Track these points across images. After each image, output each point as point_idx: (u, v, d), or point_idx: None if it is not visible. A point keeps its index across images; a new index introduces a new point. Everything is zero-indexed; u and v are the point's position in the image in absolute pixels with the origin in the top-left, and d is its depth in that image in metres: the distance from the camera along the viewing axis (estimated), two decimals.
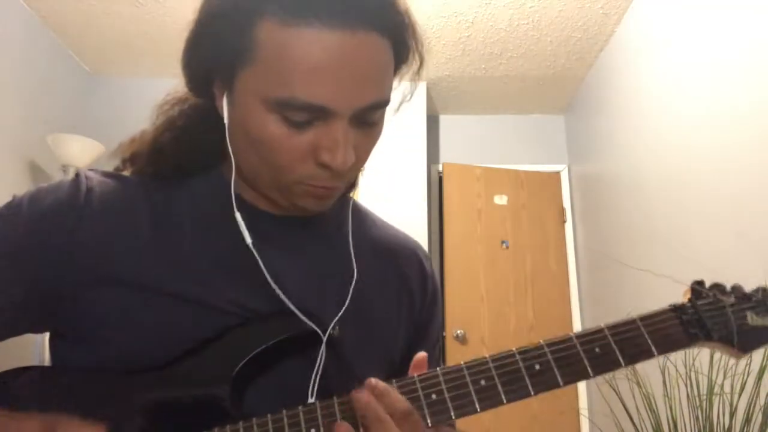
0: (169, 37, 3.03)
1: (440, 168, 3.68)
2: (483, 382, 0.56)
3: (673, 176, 2.31)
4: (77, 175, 0.65)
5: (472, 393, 0.55)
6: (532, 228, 3.57)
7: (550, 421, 3.16)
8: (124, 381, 0.59)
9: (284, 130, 0.56)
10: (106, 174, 0.67)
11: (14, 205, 0.62)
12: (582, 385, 3.30)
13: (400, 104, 0.64)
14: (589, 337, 0.58)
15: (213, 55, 0.58)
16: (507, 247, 3.51)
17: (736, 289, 0.61)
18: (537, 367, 0.56)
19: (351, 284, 0.68)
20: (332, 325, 0.63)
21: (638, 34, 2.70)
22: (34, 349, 2.43)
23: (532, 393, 0.55)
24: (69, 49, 3.20)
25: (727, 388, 1.46)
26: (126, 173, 0.69)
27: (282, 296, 0.61)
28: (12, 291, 0.60)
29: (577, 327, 3.39)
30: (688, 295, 0.61)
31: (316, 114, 0.56)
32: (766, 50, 1.74)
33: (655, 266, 2.40)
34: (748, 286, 0.64)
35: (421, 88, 3.32)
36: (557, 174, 3.75)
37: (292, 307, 0.61)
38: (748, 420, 1.43)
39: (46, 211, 0.61)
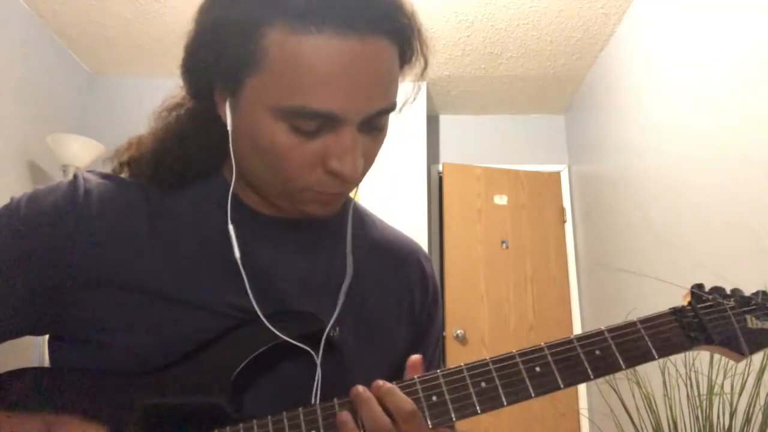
0: (170, 37, 3.03)
1: (440, 168, 3.68)
2: (483, 384, 0.56)
3: (673, 176, 2.31)
4: (75, 176, 0.65)
5: (473, 395, 0.55)
6: (532, 228, 3.57)
7: (550, 420, 3.16)
8: (122, 383, 0.59)
9: (292, 139, 0.56)
10: (104, 175, 0.67)
11: (12, 207, 0.62)
12: (582, 385, 3.30)
13: (403, 105, 0.64)
14: (589, 340, 0.58)
15: (217, 62, 0.57)
16: (507, 247, 3.51)
17: (736, 293, 0.62)
18: (537, 369, 0.56)
19: (347, 285, 0.68)
20: (329, 326, 0.63)
21: (638, 34, 2.70)
22: (34, 350, 2.43)
23: (533, 395, 0.56)
24: (69, 49, 3.20)
25: (727, 388, 1.46)
26: (124, 175, 0.69)
27: (260, 314, 0.61)
28: (10, 293, 0.60)
29: (577, 327, 3.39)
30: (688, 299, 0.61)
31: (325, 122, 0.55)
32: (766, 50, 1.74)
33: (654, 266, 2.40)
34: (748, 286, 0.64)
35: (421, 88, 3.31)
36: (557, 174, 3.75)
37: (268, 324, 0.61)
38: (748, 420, 1.43)
39: (44, 213, 0.61)
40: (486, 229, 3.52)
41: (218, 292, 0.62)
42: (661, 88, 2.44)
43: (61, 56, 3.16)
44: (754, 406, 1.42)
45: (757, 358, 1.41)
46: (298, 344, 0.61)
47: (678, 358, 1.61)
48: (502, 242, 3.52)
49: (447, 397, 0.56)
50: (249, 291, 0.61)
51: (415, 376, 0.57)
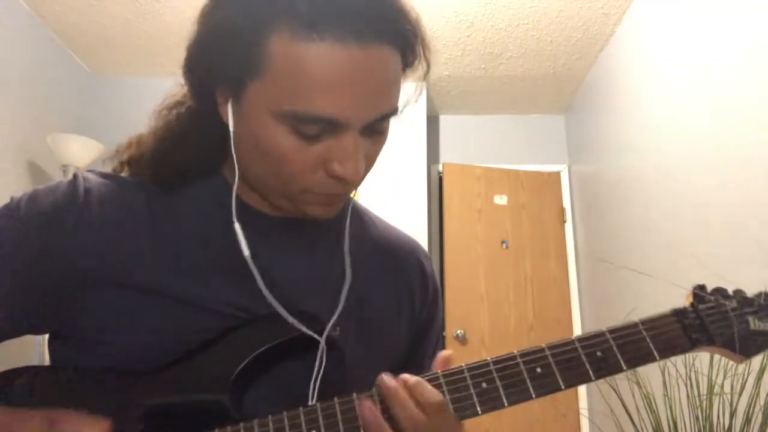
0: (170, 37, 3.03)
1: (440, 168, 3.68)
2: (484, 385, 0.56)
3: (674, 176, 2.30)
4: (75, 176, 0.65)
5: (474, 395, 0.55)
6: (532, 228, 3.57)
7: (550, 421, 3.16)
8: (123, 383, 0.59)
9: (294, 142, 0.56)
10: (104, 175, 0.67)
11: (12, 207, 0.62)
12: (582, 385, 3.29)
13: (404, 107, 0.64)
14: (590, 341, 0.58)
15: (220, 65, 0.57)
16: (507, 247, 3.51)
17: (738, 294, 0.62)
18: (538, 370, 0.56)
19: (347, 285, 0.68)
20: (329, 326, 0.63)
21: (638, 34, 2.70)
22: (34, 349, 2.43)
23: (534, 396, 0.56)
24: (69, 49, 3.20)
25: (727, 388, 1.46)
26: (124, 175, 0.69)
27: (278, 306, 0.61)
28: (11, 293, 0.60)
29: (577, 327, 3.39)
30: (690, 300, 0.61)
31: (328, 126, 0.56)
32: (766, 50, 1.74)
33: (654, 265, 2.40)
34: (748, 285, 0.64)
35: (422, 89, 3.31)
36: (557, 174, 3.75)
37: (289, 317, 0.61)
38: (748, 420, 1.43)
39: (44, 212, 0.61)
40: (486, 229, 3.52)
41: (219, 291, 0.62)
42: (661, 88, 2.44)
43: (61, 56, 3.16)
44: (754, 406, 1.42)
45: (757, 358, 1.40)
46: (313, 335, 0.61)
47: (678, 359, 1.61)
48: (502, 242, 3.52)
49: (448, 397, 0.55)
50: (262, 287, 0.61)
51: (439, 372, 0.57)
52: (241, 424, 0.56)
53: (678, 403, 1.56)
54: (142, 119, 0.72)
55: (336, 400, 0.56)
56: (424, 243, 3.21)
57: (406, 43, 0.58)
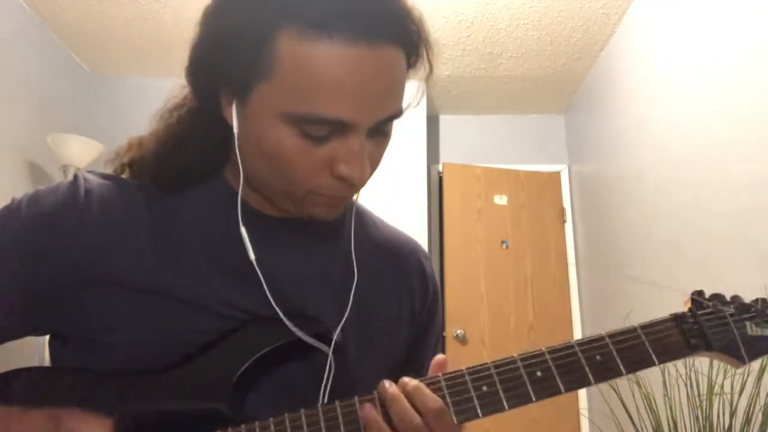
0: (170, 37, 3.03)
1: (440, 168, 3.68)
2: (485, 388, 0.56)
3: (674, 176, 2.31)
4: (76, 176, 0.65)
5: (474, 399, 0.55)
6: (532, 228, 3.57)
7: (550, 421, 3.16)
8: (122, 384, 0.59)
9: (301, 144, 0.56)
10: (104, 176, 0.67)
11: (13, 208, 0.62)
12: None
13: (406, 108, 0.64)
14: (590, 345, 0.58)
15: (226, 67, 0.57)
16: (507, 247, 3.51)
17: (736, 300, 0.62)
18: (539, 373, 0.57)
19: (352, 287, 0.68)
20: (338, 328, 0.64)
21: (638, 34, 2.70)
22: (34, 350, 2.43)
23: (534, 399, 0.56)
24: (69, 49, 3.20)
25: (727, 388, 1.46)
26: (125, 176, 0.69)
27: (283, 317, 0.61)
28: (12, 294, 0.60)
29: (577, 327, 3.39)
30: (689, 305, 0.62)
31: (335, 128, 0.56)
32: (766, 49, 1.74)
33: (654, 265, 2.40)
34: (746, 286, 0.64)
35: (423, 90, 3.33)
36: (557, 174, 3.75)
37: (292, 326, 0.61)
38: (748, 420, 1.43)
39: (45, 213, 0.61)
40: (486, 229, 3.52)
41: (220, 292, 0.62)
42: (661, 88, 2.44)
43: (61, 56, 3.16)
44: (754, 406, 1.42)
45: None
46: (313, 342, 0.61)
47: None
48: (502, 242, 3.52)
49: (449, 400, 0.56)
50: (267, 291, 0.61)
51: (440, 374, 0.57)
52: (243, 426, 0.56)
53: (678, 403, 1.56)
54: (142, 119, 0.72)
55: (338, 403, 0.56)
56: (424, 243, 3.21)
57: (411, 43, 0.59)
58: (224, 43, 0.56)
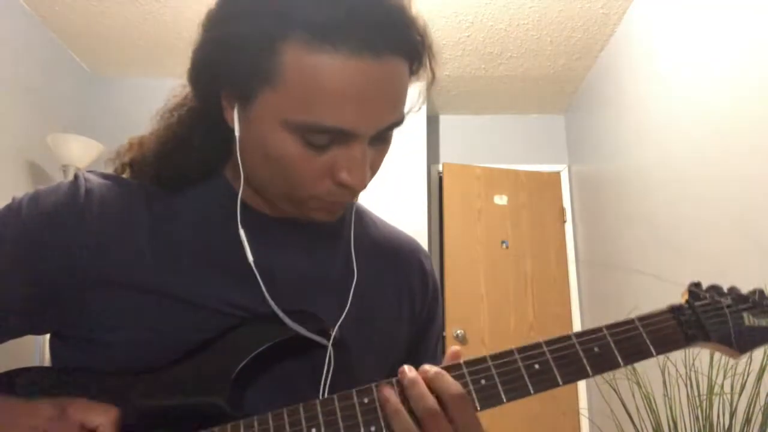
0: (170, 37, 3.03)
1: (440, 168, 3.68)
2: (483, 382, 0.56)
3: (674, 176, 2.31)
4: (76, 176, 0.65)
5: (473, 392, 0.55)
6: (532, 228, 3.57)
7: (550, 420, 3.16)
8: (122, 383, 0.59)
9: (303, 151, 0.57)
10: (105, 176, 0.67)
11: (14, 207, 0.63)
12: (582, 385, 3.30)
13: (407, 114, 0.65)
14: (588, 337, 0.58)
15: (230, 72, 0.57)
16: (507, 247, 3.51)
17: (733, 291, 0.62)
18: (536, 366, 0.56)
19: (352, 285, 0.68)
20: (336, 327, 0.64)
21: (638, 34, 2.70)
22: (34, 349, 2.43)
23: (532, 392, 0.56)
24: (69, 49, 3.20)
25: (727, 388, 1.46)
26: (125, 176, 0.69)
27: (279, 311, 0.61)
28: (12, 293, 0.60)
29: (577, 327, 3.39)
30: (686, 296, 0.62)
31: (338, 136, 0.56)
32: (766, 49, 1.74)
33: (654, 265, 2.40)
34: (750, 286, 0.64)
35: (423, 93, 3.34)
36: (557, 174, 3.75)
37: (291, 323, 0.61)
38: (748, 420, 1.43)
39: (45, 212, 0.61)
40: (486, 229, 3.52)
41: (220, 291, 0.63)
42: (661, 87, 2.44)
43: (61, 56, 3.16)
44: (754, 406, 1.42)
45: (757, 358, 1.41)
46: (315, 337, 0.61)
47: (678, 358, 1.61)
48: (502, 242, 3.52)
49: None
50: (265, 292, 0.61)
51: (454, 363, 0.57)
52: (241, 422, 0.56)
53: (678, 403, 1.56)
54: (142, 119, 0.72)
55: (335, 397, 0.56)
56: (424, 243, 3.21)
57: (415, 53, 0.59)
58: (229, 49, 0.56)
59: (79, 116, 3.26)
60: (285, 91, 0.54)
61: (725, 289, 0.62)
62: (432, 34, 0.61)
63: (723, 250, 1.91)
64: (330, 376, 0.63)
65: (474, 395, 0.55)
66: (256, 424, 0.55)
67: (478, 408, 0.55)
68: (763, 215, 1.71)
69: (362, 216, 0.78)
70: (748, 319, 0.59)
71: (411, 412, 0.53)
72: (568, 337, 0.58)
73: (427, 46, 0.60)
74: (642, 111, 2.64)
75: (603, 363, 0.57)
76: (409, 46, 0.58)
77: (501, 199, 3.60)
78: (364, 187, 0.59)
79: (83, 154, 2.73)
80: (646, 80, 2.60)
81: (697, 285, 0.62)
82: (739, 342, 0.59)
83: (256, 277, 0.62)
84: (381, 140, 0.60)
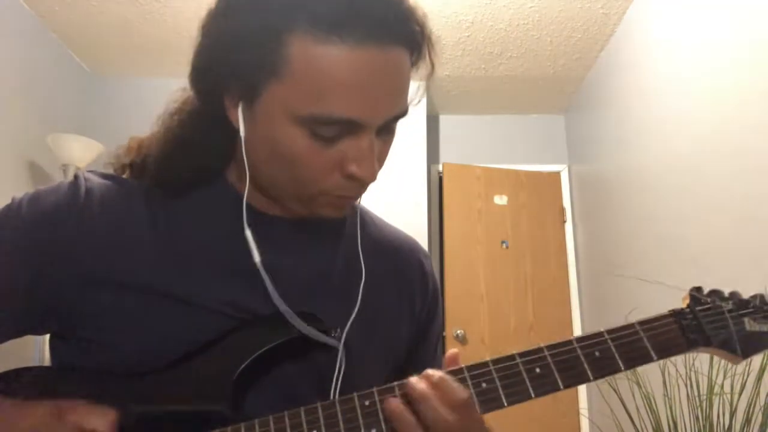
0: (170, 37, 3.03)
1: (440, 168, 3.68)
2: (484, 385, 0.56)
3: (674, 176, 2.31)
4: (76, 176, 0.65)
5: (474, 395, 0.55)
6: (532, 228, 3.57)
7: (550, 420, 3.16)
8: (122, 384, 0.59)
9: (312, 144, 0.57)
10: (105, 176, 0.67)
11: (14, 207, 0.63)
12: (582, 386, 3.28)
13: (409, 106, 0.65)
14: (589, 341, 0.58)
15: (234, 69, 0.57)
16: (507, 247, 3.51)
17: (734, 296, 0.62)
18: (538, 370, 0.57)
19: (360, 285, 0.68)
20: (347, 327, 0.64)
21: (638, 34, 2.70)
22: (34, 349, 2.43)
23: (533, 396, 0.56)
24: (69, 49, 3.20)
25: (727, 388, 1.46)
26: (125, 176, 0.69)
27: (288, 311, 0.61)
28: (12, 293, 0.60)
29: (577, 327, 3.39)
30: (687, 301, 0.62)
31: (346, 128, 0.56)
32: (766, 49, 1.74)
33: (654, 266, 2.40)
34: (751, 287, 0.64)
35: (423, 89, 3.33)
36: (557, 174, 3.75)
37: (303, 324, 0.61)
38: (748, 420, 1.43)
39: (45, 212, 0.61)
40: (486, 229, 3.52)
41: (221, 292, 0.62)
42: (661, 87, 2.44)
43: (61, 56, 3.16)
44: (754, 406, 1.42)
45: (757, 358, 1.40)
46: (327, 339, 0.61)
47: (678, 359, 1.61)
48: (502, 242, 3.52)
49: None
50: (274, 295, 0.61)
51: (456, 367, 0.57)
52: (242, 425, 0.56)
53: (678, 403, 1.56)
54: (142, 119, 0.72)
55: (336, 399, 0.56)
56: (424, 243, 3.21)
57: (415, 43, 0.59)
58: (233, 44, 0.56)
59: (79, 116, 3.26)
60: (293, 84, 0.54)
61: (726, 294, 0.62)
62: (430, 24, 0.61)
63: (722, 249, 1.91)
64: (327, 374, 0.63)
65: (475, 398, 0.55)
66: (257, 426, 0.55)
67: (479, 411, 0.55)
68: (764, 215, 1.71)
69: (362, 216, 0.78)
70: (750, 324, 0.59)
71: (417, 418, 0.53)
72: (569, 342, 0.58)
73: (427, 36, 0.60)
74: (642, 111, 2.64)
75: (604, 367, 0.57)
76: (410, 37, 0.58)
77: (501, 199, 3.60)
78: (374, 179, 0.59)
79: (83, 154, 2.73)
80: (646, 80, 2.60)
81: (698, 289, 0.62)
82: (741, 347, 0.59)
83: (257, 278, 0.62)
84: (387, 131, 0.61)
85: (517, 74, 3.38)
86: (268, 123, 0.57)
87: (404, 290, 0.76)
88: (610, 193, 3.03)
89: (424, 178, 3.38)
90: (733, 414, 1.45)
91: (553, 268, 3.52)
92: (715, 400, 1.48)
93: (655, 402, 1.62)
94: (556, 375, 0.56)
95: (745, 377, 1.43)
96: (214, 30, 0.58)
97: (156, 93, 0.69)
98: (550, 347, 0.58)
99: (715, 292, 0.62)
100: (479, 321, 3.35)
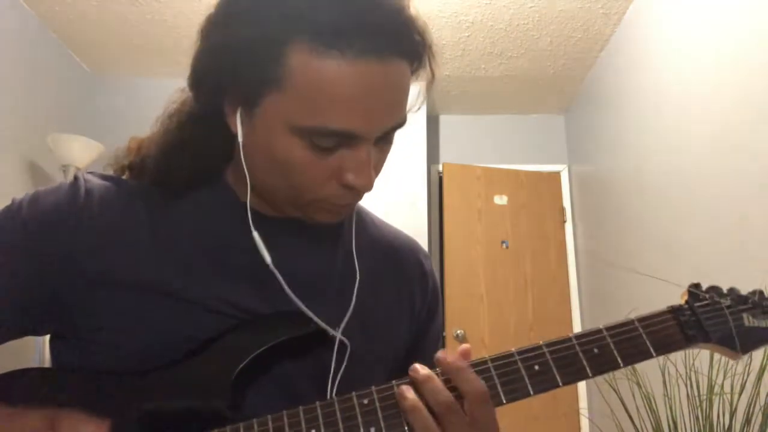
0: (170, 37, 3.03)
1: (440, 168, 3.68)
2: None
3: (673, 176, 2.31)
4: (76, 177, 0.65)
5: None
6: (532, 228, 3.57)
7: (550, 420, 3.16)
8: (122, 384, 0.59)
9: (309, 154, 0.57)
10: (104, 177, 0.67)
11: (13, 208, 0.63)
12: (582, 385, 3.30)
13: (407, 112, 0.65)
14: (587, 338, 0.58)
15: (234, 77, 0.57)
16: (507, 247, 3.51)
17: (733, 292, 0.62)
18: (536, 367, 0.56)
19: (355, 285, 0.68)
20: (344, 322, 0.64)
21: (638, 34, 2.70)
22: (35, 349, 2.43)
23: (532, 393, 0.56)
24: (69, 49, 3.20)
25: (727, 388, 1.46)
26: (125, 177, 0.69)
27: (305, 309, 0.62)
28: (13, 294, 0.60)
29: (577, 327, 3.39)
30: (686, 297, 0.62)
31: (344, 139, 0.56)
32: (766, 49, 1.74)
33: (654, 266, 2.40)
34: (749, 287, 0.64)
35: (422, 93, 3.34)
36: (557, 174, 3.75)
37: (314, 316, 0.61)
38: (748, 420, 1.43)
39: (45, 213, 0.61)
40: (486, 229, 3.52)
41: (221, 292, 0.63)
42: (661, 88, 2.44)
43: (61, 56, 3.16)
44: (754, 406, 1.42)
45: (757, 358, 1.41)
46: (331, 331, 0.62)
47: (678, 358, 1.61)
48: (502, 242, 3.52)
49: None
50: (288, 291, 0.61)
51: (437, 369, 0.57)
52: (241, 424, 0.56)
53: (678, 403, 1.56)
54: (142, 119, 0.72)
55: (335, 398, 0.56)
56: (424, 243, 3.21)
57: (416, 54, 0.59)
58: (234, 53, 0.56)
59: (79, 116, 3.26)
60: (292, 96, 0.55)
61: (725, 290, 0.62)
62: (431, 33, 0.61)
63: (723, 249, 1.91)
64: (326, 373, 0.63)
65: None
66: (255, 426, 0.55)
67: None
68: (763, 215, 1.71)
69: (362, 216, 0.78)
70: (748, 320, 0.59)
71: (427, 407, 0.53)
72: (568, 339, 0.58)
73: (427, 45, 0.60)
74: (642, 110, 2.64)
75: (603, 364, 0.57)
76: (411, 48, 0.58)
77: (501, 199, 3.60)
78: (370, 188, 0.59)
79: (83, 154, 2.73)
80: (646, 80, 2.60)
81: (697, 286, 0.62)
82: (739, 343, 0.59)
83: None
84: (384, 141, 0.61)
85: (516, 74, 3.38)
86: (266, 131, 0.57)
87: (404, 290, 0.76)
88: (610, 192, 3.03)
89: (424, 178, 3.38)
90: (733, 414, 1.45)
91: (553, 268, 3.52)
92: (715, 400, 1.47)
93: (655, 402, 1.62)
94: (555, 372, 0.56)
95: (745, 377, 1.43)
96: (214, 37, 0.58)
97: (156, 93, 0.69)
98: (548, 344, 0.58)
99: (713, 289, 0.62)
100: (479, 321, 3.35)
